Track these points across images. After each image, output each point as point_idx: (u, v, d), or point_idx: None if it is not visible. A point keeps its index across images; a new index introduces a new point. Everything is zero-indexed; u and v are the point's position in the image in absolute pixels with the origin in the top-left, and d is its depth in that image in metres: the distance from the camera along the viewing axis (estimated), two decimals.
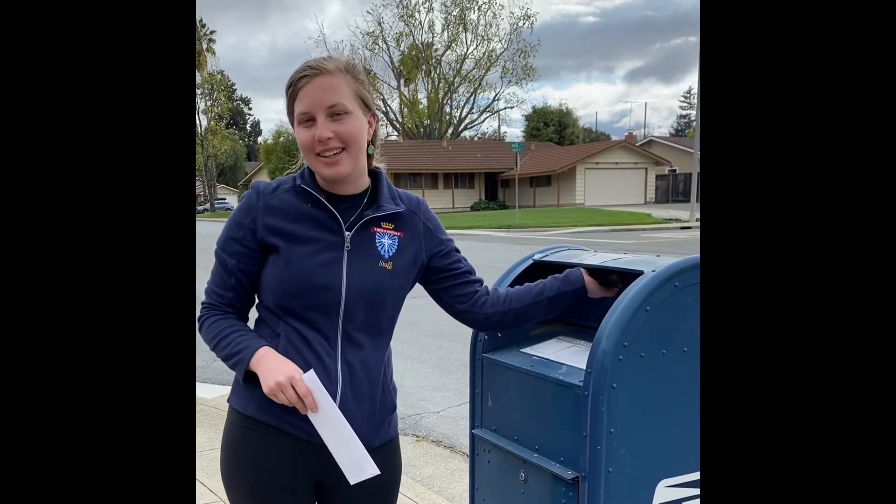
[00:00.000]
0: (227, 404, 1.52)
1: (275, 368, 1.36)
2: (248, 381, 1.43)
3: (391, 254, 1.48)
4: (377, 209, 1.47)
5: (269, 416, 1.43)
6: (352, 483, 1.41)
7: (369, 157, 1.51)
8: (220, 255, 1.48)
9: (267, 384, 1.35)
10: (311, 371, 1.37)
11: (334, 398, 1.42)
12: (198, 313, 1.46)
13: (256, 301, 1.52)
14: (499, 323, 1.61)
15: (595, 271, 1.65)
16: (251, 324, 1.53)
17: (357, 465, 1.40)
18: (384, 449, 1.53)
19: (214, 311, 1.48)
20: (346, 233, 1.44)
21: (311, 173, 1.47)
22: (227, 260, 1.46)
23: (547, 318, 1.65)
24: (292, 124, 1.45)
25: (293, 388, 1.34)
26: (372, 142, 1.50)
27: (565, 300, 1.60)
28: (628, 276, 1.50)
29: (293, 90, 1.40)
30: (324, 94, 1.37)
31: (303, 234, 1.42)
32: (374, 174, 1.54)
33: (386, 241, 1.48)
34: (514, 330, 1.70)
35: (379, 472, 1.41)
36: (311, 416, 1.38)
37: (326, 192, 1.46)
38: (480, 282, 1.63)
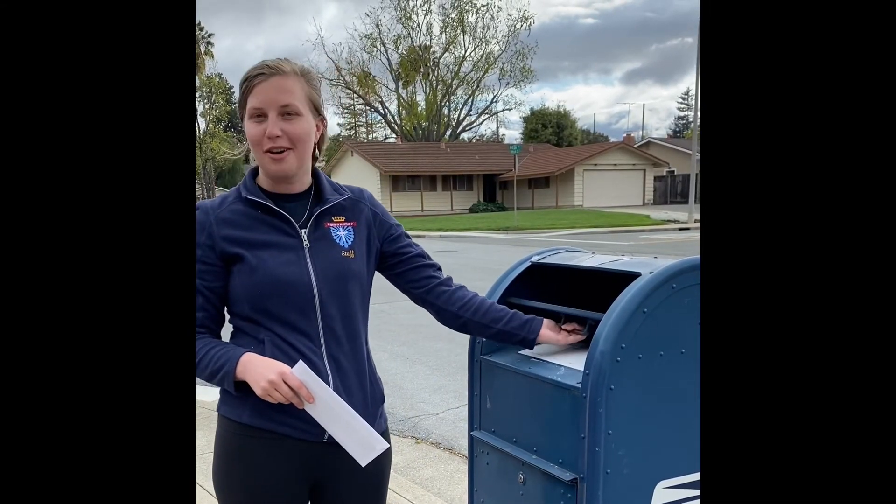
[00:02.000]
0: (217, 413, 1.52)
1: (263, 369, 1.37)
2: (238, 391, 1.43)
3: (350, 243, 1.52)
4: (324, 203, 1.52)
5: (265, 421, 1.44)
6: (363, 465, 1.42)
7: (314, 158, 1.55)
8: None
9: (259, 386, 1.35)
10: (301, 362, 1.38)
11: None
12: None
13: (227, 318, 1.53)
14: (448, 321, 1.64)
15: (553, 318, 1.66)
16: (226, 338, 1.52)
17: (366, 444, 1.41)
18: None
19: None
20: (302, 231, 1.48)
21: (254, 182, 1.50)
22: None
23: (491, 340, 1.68)
24: (241, 118, 1.48)
25: (286, 383, 1.35)
26: (319, 144, 1.54)
27: (513, 340, 1.62)
28: (625, 278, 1.50)
29: (248, 85, 1.44)
30: (278, 94, 1.41)
31: (263, 239, 1.45)
32: (313, 172, 1.57)
33: (342, 232, 1.52)
34: None
35: (389, 445, 1.43)
36: (309, 408, 1.39)
37: (273, 196, 1.49)
38: (437, 267, 1.65)
